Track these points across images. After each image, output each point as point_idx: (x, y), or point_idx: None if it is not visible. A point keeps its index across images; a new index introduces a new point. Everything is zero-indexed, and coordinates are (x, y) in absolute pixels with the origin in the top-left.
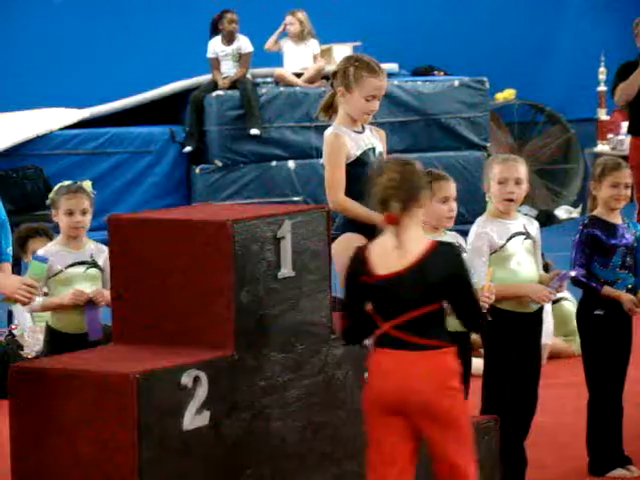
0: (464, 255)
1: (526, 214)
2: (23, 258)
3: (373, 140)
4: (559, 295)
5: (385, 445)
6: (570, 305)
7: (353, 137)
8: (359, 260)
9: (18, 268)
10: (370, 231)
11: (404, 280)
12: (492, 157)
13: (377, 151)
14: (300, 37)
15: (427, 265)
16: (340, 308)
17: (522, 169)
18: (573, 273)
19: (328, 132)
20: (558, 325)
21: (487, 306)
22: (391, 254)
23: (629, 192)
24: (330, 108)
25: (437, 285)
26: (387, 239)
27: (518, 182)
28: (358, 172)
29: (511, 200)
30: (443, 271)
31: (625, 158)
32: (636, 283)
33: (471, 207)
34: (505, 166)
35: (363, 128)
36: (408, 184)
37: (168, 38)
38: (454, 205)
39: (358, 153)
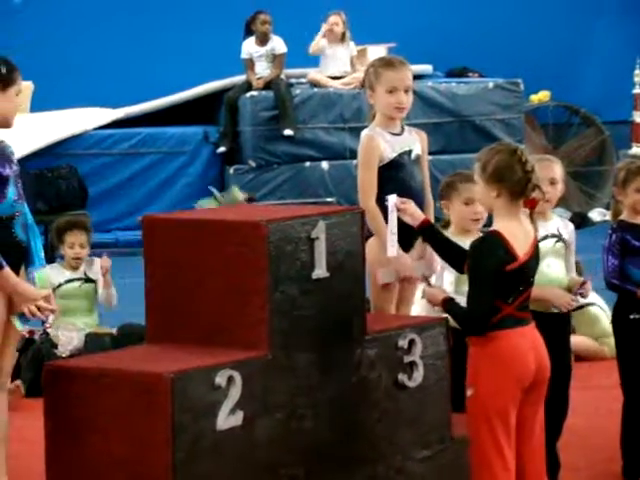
0: None
1: (560, 216)
2: (60, 250)
3: (411, 142)
4: (585, 301)
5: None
6: (597, 309)
7: (389, 139)
8: (504, 249)
9: (53, 261)
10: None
11: (532, 260)
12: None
13: (414, 153)
14: (342, 39)
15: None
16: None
17: (557, 169)
18: (590, 277)
19: (363, 133)
20: (585, 328)
21: None
22: (521, 238)
23: None
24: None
25: None
26: (511, 224)
27: (553, 182)
28: (392, 175)
29: (546, 201)
30: None
31: None
32: None
33: None
34: (540, 166)
35: (402, 130)
36: None
37: (202, 38)
38: (480, 209)
39: (392, 156)
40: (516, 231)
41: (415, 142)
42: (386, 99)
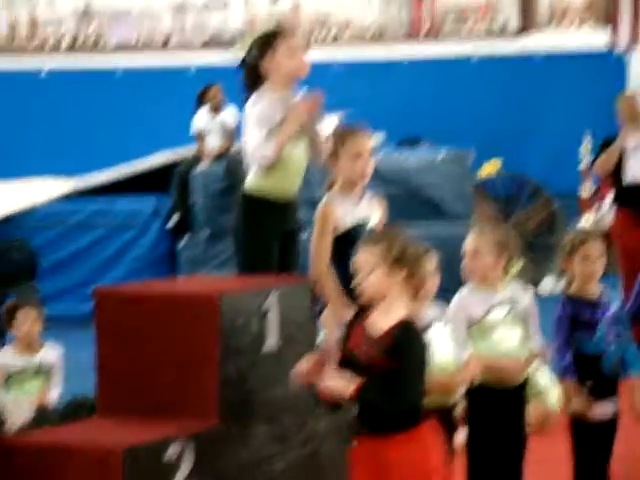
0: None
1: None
2: (10, 331)
3: (370, 211)
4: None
5: None
6: (548, 382)
7: (347, 207)
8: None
9: (3, 341)
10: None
11: None
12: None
13: (372, 222)
14: None
15: None
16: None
17: (480, 239)
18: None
19: (322, 200)
20: (535, 398)
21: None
22: None
23: (599, 266)
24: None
25: None
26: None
27: (476, 253)
28: (347, 244)
29: (467, 270)
30: None
31: (607, 233)
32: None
33: (455, 278)
34: (467, 238)
35: (362, 197)
36: None
37: (155, 110)
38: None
39: (349, 225)
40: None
41: (374, 210)
42: (351, 165)
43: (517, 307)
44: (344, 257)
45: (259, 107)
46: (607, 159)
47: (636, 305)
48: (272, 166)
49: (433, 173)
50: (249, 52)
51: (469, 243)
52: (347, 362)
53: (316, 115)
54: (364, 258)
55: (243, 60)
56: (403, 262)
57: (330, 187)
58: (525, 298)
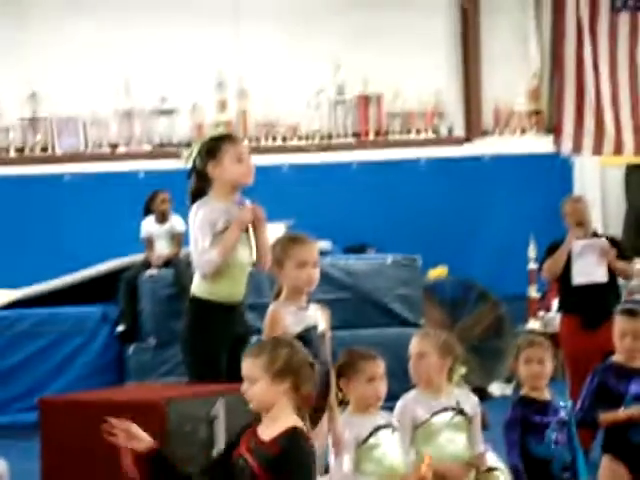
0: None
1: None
2: None
3: (316, 318)
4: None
5: None
6: (498, 474)
7: (295, 313)
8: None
9: None
10: None
11: None
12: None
13: (320, 329)
14: None
15: None
16: None
17: (423, 342)
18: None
19: (269, 308)
20: None
21: None
22: None
23: (546, 369)
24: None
25: None
26: (297, 418)
27: (421, 356)
28: None
29: (414, 372)
30: None
31: (556, 335)
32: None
33: (404, 383)
34: (412, 341)
35: (308, 305)
36: None
37: (101, 218)
38: (382, 385)
39: (298, 329)
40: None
41: (320, 318)
42: (296, 274)
43: (462, 412)
44: None
45: (202, 214)
46: (554, 263)
47: (583, 410)
48: (217, 271)
49: (382, 277)
50: (197, 158)
51: (414, 346)
52: (232, 470)
53: (260, 223)
54: (248, 368)
55: (192, 167)
56: (286, 373)
57: (277, 295)
58: (469, 404)
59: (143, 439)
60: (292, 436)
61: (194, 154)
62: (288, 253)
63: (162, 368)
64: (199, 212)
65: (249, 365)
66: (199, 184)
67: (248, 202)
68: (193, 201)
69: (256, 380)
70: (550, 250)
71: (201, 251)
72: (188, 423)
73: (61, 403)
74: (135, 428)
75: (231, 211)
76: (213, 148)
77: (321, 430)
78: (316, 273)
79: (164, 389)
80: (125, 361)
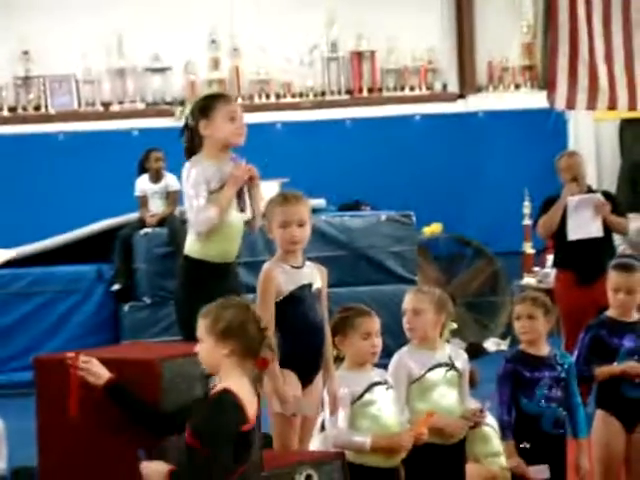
0: None
1: (451, 344)
2: None
3: (312, 277)
4: None
5: None
6: (488, 429)
7: (288, 271)
8: (239, 407)
9: None
10: None
11: (257, 421)
12: (407, 290)
13: (315, 287)
14: None
15: None
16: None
17: (419, 299)
18: (487, 405)
19: (264, 266)
20: (475, 447)
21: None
22: (249, 400)
23: (536, 324)
24: None
25: None
26: (241, 383)
27: (416, 312)
28: (291, 309)
29: (409, 329)
30: None
31: (551, 291)
32: (568, 416)
33: (400, 339)
34: (406, 297)
35: (303, 263)
36: None
37: (95, 177)
38: (377, 341)
39: (291, 288)
40: (245, 391)
41: (316, 277)
42: (280, 234)
43: (454, 368)
44: (290, 320)
45: (195, 172)
46: (549, 219)
47: (578, 365)
48: (211, 231)
49: (377, 234)
50: (190, 116)
51: (409, 302)
52: None
53: (253, 181)
54: (197, 328)
55: (185, 125)
56: (229, 336)
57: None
58: (460, 360)
59: (102, 376)
60: (214, 400)
61: (187, 112)
62: (272, 213)
63: (157, 327)
64: (192, 170)
65: (198, 325)
66: (191, 142)
67: (243, 160)
68: (188, 158)
69: (202, 341)
70: (545, 206)
71: (197, 209)
72: (183, 381)
73: (56, 362)
74: (95, 364)
75: (224, 170)
76: (205, 106)
77: (316, 388)
78: (301, 232)
79: (159, 347)
80: (120, 320)
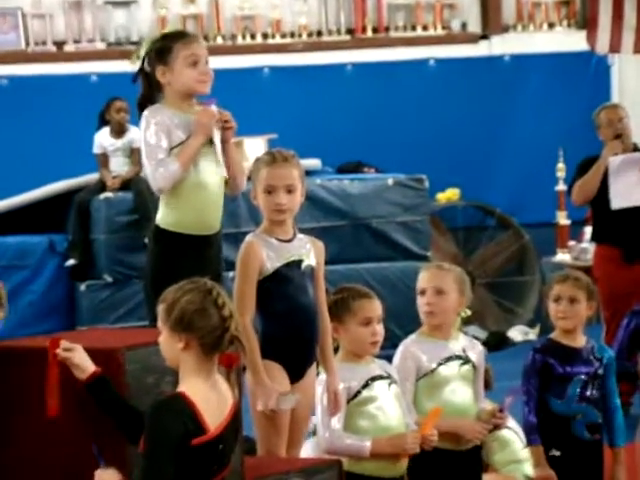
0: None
1: (474, 336)
2: None
3: (303, 251)
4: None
5: None
6: (509, 432)
7: (275, 246)
8: (190, 417)
9: None
10: None
11: (228, 434)
12: (423, 266)
13: (305, 264)
14: None
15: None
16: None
17: (447, 277)
18: (508, 401)
19: (246, 238)
20: (497, 453)
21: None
22: (214, 404)
23: (578, 308)
24: None
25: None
26: (202, 385)
27: (439, 292)
28: (277, 288)
29: (430, 312)
30: None
31: (589, 269)
32: (604, 420)
33: (409, 327)
34: (425, 274)
35: (294, 236)
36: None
37: (46, 131)
38: (379, 328)
39: (277, 265)
40: (209, 395)
41: (309, 252)
42: (264, 200)
43: (468, 361)
44: (275, 302)
45: (154, 122)
46: (586, 183)
47: (617, 358)
48: (181, 195)
49: (382, 202)
50: (145, 59)
51: (429, 279)
52: None
53: (228, 133)
54: (158, 316)
55: (140, 69)
56: (182, 327)
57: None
58: (475, 352)
59: (86, 368)
60: (159, 405)
61: (142, 54)
62: (257, 176)
63: (119, 310)
64: (151, 120)
65: (157, 311)
66: (148, 90)
67: (213, 104)
68: (141, 109)
69: (160, 331)
70: (582, 168)
71: (157, 163)
72: (150, 374)
73: (2, 349)
74: (80, 352)
75: (190, 121)
76: (162, 49)
77: (308, 383)
78: (290, 199)
79: (121, 334)
80: (76, 301)
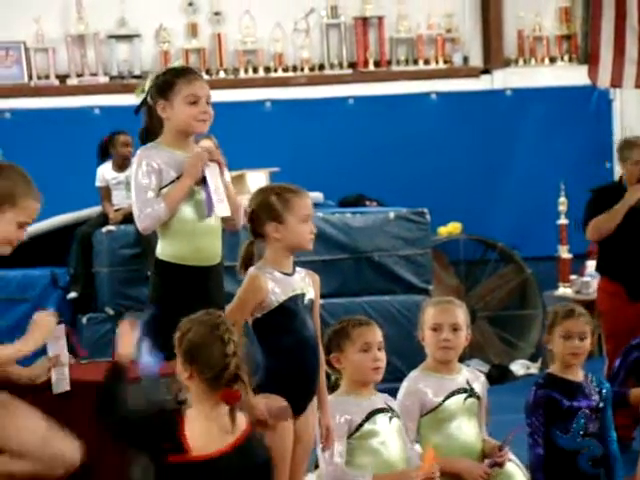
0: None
1: (478, 369)
2: None
3: (303, 285)
4: None
5: None
6: (512, 466)
7: (280, 279)
8: (174, 432)
9: None
10: None
11: (226, 461)
12: (426, 301)
13: (307, 298)
14: None
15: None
16: None
17: (460, 313)
18: (509, 438)
19: (250, 271)
20: None
21: None
22: (213, 433)
23: (587, 344)
24: (251, 260)
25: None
26: (204, 413)
27: (455, 328)
28: (283, 323)
29: (448, 348)
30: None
31: (591, 304)
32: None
33: (410, 360)
34: (438, 309)
35: (294, 270)
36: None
37: (48, 164)
38: (380, 354)
39: (283, 298)
40: (208, 423)
41: (307, 286)
42: (302, 229)
43: (473, 393)
44: (279, 337)
45: (146, 161)
46: (606, 223)
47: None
48: (178, 227)
49: (384, 235)
50: (148, 93)
51: (448, 316)
52: None
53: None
54: None
55: (143, 102)
56: (188, 359)
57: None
58: (479, 383)
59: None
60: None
61: (147, 88)
62: (290, 205)
63: None
64: (143, 159)
65: None
66: (150, 123)
67: (205, 141)
68: (142, 142)
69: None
70: (596, 201)
71: (143, 203)
72: (149, 408)
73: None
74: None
75: (183, 160)
76: (164, 84)
77: (308, 418)
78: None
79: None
80: (78, 333)
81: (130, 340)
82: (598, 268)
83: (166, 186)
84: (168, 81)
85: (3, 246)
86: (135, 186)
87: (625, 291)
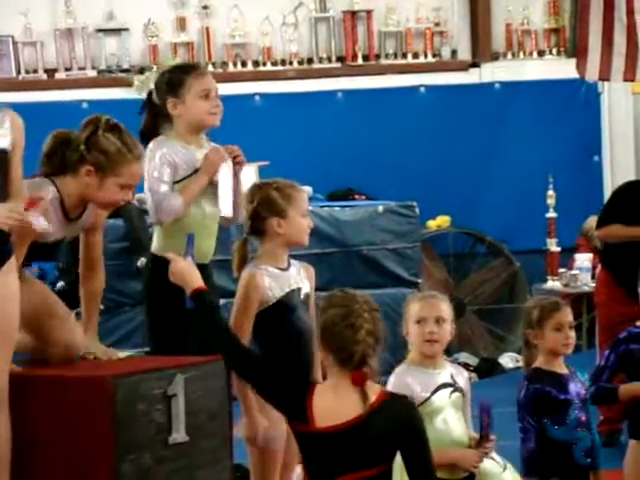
0: None
1: (464, 362)
2: None
3: (299, 278)
4: None
5: None
6: (491, 464)
7: (276, 275)
8: (302, 405)
9: None
10: None
11: (342, 436)
12: (410, 296)
13: (303, 292)
14: None
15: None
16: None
17: (444, 306)
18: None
19: (245, 270)
20: None
21: None
22: (336, 408)
23: (574, 334)
24: (246, 259)
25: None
26: (332, 388)
27: (439, 321)
28: (278, 320)
29: (433, 341)
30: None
31: (580, 297)
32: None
33: (399, 354)
34: (422, 303)
35: (289, 264)
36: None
37: (37, 158)
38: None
39: (280, 295)
40: (330, 399)
41: (303, 279)
42: (303, 224)
43: (457, 388)
44: (277, 332)
45: (160, 154)
46: (625, 237)
47: (600, 382)
48: (178, 223)
49: (372, 229)
50: (154, 91)
51: (431, 309)
52: None
53: (237, 166)
54: None
55: (148, 100)
56: (322, 339)
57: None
58: (462, 378)
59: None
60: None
61: (150, 85)
62: (293, 201)
63: (110, 337)
64: (156, 152)
65: None
66: (153, 120)
67: (215, 144)
68: (144, 141)
69: None
70: (620, 197)
71: (160, 196)
72: (140, 402)
73: None
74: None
75: (195, 156)
76: (174, 82)
77: None
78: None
79: (111, 362)
80: None
81: (194, 272)
82: (602, 259)
83: (179, 181)
84: (178, 78)
85: (108, 207)
86: (149, 179)
87: (625, 289)
